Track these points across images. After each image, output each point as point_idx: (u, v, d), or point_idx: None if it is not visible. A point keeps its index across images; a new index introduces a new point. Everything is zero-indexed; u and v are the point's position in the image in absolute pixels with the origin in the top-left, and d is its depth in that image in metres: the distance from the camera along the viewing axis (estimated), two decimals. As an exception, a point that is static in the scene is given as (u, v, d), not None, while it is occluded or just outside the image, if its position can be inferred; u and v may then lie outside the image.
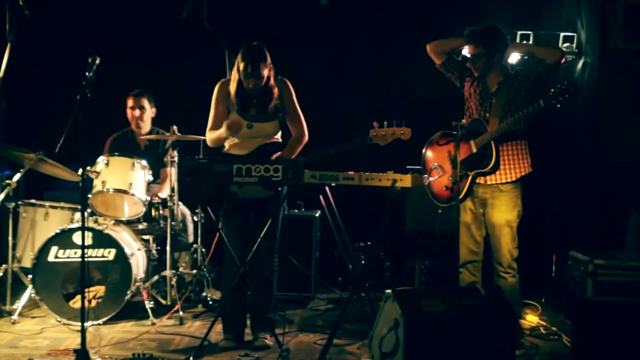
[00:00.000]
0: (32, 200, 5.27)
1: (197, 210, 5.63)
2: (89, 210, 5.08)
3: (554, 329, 4.79)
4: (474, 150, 4.44)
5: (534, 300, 5.30)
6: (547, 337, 4.65)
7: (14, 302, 5.07)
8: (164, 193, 5.41)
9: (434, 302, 3.56)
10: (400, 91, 6.40)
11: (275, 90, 4.42)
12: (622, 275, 3.81)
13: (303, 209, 5.83)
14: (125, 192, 5.08)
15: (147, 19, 6.20)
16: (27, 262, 5.06)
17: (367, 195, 6.04)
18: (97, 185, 5.05)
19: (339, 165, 4.09)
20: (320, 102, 6.37)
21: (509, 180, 4.47)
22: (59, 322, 4.87)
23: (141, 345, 4.45)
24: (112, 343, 4.48)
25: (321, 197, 4.28)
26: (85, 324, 3.90)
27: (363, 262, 5.43)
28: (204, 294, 5.49)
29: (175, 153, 5.24)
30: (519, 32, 5.06)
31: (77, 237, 4.86)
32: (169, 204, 5.21)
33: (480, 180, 4.50)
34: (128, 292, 4.91)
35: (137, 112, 5.67)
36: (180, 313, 5.00)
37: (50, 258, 4.89)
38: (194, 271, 5.51)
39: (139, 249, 5.19)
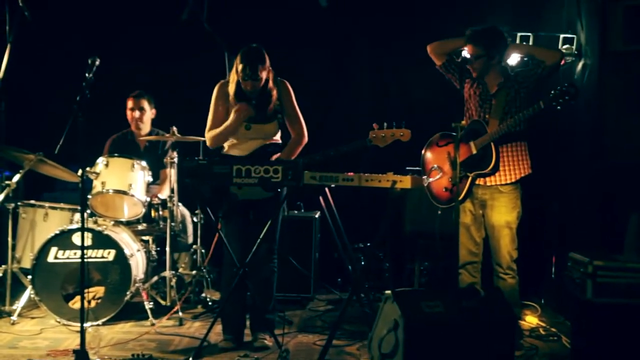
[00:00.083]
0: (32, 201, 5.27)
1: (196, 211, 5.63)
2: (88, 211, 5.09)
3: (553, 330, 4.79)
4: (474, 151, 4.44)
5: (533, 302, 5.30)
6: (547, 338, 4.64)
7: (14, 302, 5.07)
8: (164, 194, 5.41)
9: (433, 303, 3.56)
10: (400, 93, 6.41)
11: (274, 93, 4.41)
12: (622, 277, 3.81)
13: (303, 210, 5.84)
14: (124, 193, 5.08)
15: (147, 20, 6.20)
16: (27, 263, 5.07)
17: (367, 196, 6.03)
18: (97, 186, 5.05)
19: (338, 167, 4.08)
20: (320, 103, 6.38)
21: (508, 181, 4.47)
22: (59, 322, 4.87)
23: (141, 346, 4.45)
24: (112, 344, 4.48)
25: (321, 198, 4.27)
26: (85, 325, 3.91)
27: (363, 263, 5.43)
28: (203, 294, 5.49)
29: (175, 154, 5.24)
30: (519, 34, 5.06)
31: (76, 238, 4.87)
32: (169, 204, 5.21)
33: (480, 181, 4.50)
34: (127, 292, 4.91)
35: (136, 114, 5.66)
36: (180, 314, 5.00)
37: (50, 259, 4.90)
38: (194, 272, 5.52)
39: (138, 250, 5.19)
